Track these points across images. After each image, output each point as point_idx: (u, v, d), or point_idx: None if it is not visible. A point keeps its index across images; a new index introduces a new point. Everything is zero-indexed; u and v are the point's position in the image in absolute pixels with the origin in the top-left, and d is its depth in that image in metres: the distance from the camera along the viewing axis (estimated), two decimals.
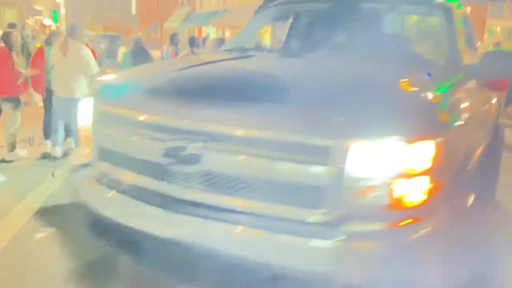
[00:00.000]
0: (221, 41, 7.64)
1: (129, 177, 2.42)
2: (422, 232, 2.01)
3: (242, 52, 3.62)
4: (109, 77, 3.10)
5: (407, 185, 1.98)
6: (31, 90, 7.39)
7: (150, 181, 2.32)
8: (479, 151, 3.59)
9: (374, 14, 3.79)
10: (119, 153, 2.47)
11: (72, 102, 4.68)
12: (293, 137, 2.01)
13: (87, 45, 6.17)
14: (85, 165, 2.67)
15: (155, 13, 56.17)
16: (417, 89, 2.47)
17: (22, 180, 5.21)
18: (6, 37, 6.25)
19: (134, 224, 2.25)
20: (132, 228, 2.24)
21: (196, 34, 34.66)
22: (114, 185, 2.44)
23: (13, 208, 4.33)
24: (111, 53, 17.75)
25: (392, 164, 1.95)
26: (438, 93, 2.49)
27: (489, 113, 4.07)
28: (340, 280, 1.97)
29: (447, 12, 3.42)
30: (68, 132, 6.27)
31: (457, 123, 2.42)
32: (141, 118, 2.37)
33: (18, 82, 6.04)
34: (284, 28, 4.54)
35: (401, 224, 1.99)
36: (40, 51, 6.48)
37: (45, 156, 6.16)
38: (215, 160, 2.13)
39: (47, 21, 26.97)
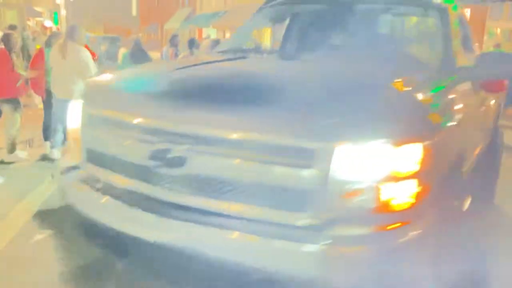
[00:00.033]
0: (216, 42, 7.65)
1: (116, 180, 2.41)
2: (410, 236, 1.99)
3: (236, 54, 3.60)
4: (98, 79, 3.08)
5: (394, 188, 1.95)
6: (31, 91, 7.40)
7: (136, 184, 2.31)
8: (475, 153, 3.56)
9: (369, 15, 3.78)
10: (107, 155, 2.46)
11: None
12: (279, 140, 1.98)
13: (87, 46, 6.17)
14: (74, 167, 2.66)
15: (155, 14, 56.21)
16: (408, 91, 2.45)
17: (21, 181, 5.22)
18: (6, 39, 6.26)
19: (121, 227, 2.23)
20: (119, 232, 2.22)
21: (196, 36, 34.75)
22: (102, 187, 2.42)
23: (12, 209, 4.33)
24: (111, 55, 17.75)
25: (378, 167, 1.93)
26: (428, 95, 2.47)
27: (487, 115, 4.04)
28: (327, 284, 1.94)
29: (442, 13, 3.40)
30: (67, 134, 6.26)
31: (448, 125, 2.41)
32: (127, 120, 2.36)
33: (18, 84, 6.05)
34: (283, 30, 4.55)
35: (388, 228, 1.97)
36: (40, 52, 6.48)
37: (45, 158, 6.16)
38: (201, 163, 2.11)
39: (48, 23, 27.00)
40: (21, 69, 6.26)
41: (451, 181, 2.40)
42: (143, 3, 62.51)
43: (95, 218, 2.37)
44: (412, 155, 1.97)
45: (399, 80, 2.58)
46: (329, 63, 3.07)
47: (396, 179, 1.95)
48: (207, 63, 3.30)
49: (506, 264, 3.41)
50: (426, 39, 3.64)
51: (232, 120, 2.08)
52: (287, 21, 4.52)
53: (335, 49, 3.54)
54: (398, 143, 1.94)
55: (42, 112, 6.57)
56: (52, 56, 5.90)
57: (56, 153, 6.16)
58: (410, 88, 2.50)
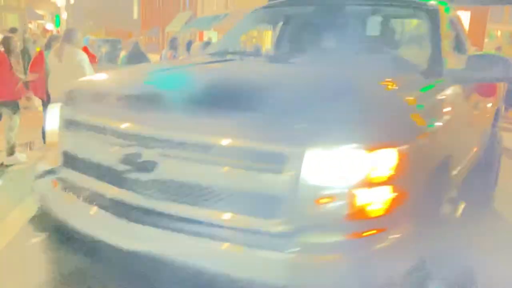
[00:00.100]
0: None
1: (90, 184, 2.37)
2: (385, 243, 1.92)
3: (222, 56, 3.58)
4: (77, 82, 3.05)
5: (367, 194, 1.89)
6: (31, 94, 7.42)
7: (109, 189, 2.27)
8: (468, 158, 3.48)
9: (358, 18, 3.74)
10: (82, 160, 2.43)
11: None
12: (249, 144, 1.93)
13: (87, 49, 6.19)
14: (50, 171, 2.62)
15: (156, 18, 56.32)
16: (388, 94, 2.39)
17: (20, 183, 5.22)
18: (5, 42, 6.29)
19: (94, 233, 2.18)
20: (92, 237, 2.17)
21: (197, 39, 34.78)
22: (77, 192, 2.39)
23: (11, 211, 4.34)
24: (112, 57, 17.83)
25: (349, 172, 1.87)
26: (411, 98, 2.42)
27: (481, 119, 3.97)
28: None
29: (431, 15, 3.34)
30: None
31: (431, 129, 2.34)
32: (100, 123, 2.33)
33: (17, 87, 6.07)
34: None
35: (361, 235, 1.90)
36: (40, 55, 6.51)
37: None
38: (171, 168, 2.07)
39: (49, 25, 27.09)
40: (20, 72, 6.28)
41: (435, 187, 2.34)
42: (145, 6, 62.65)
43: (70, 224, 2.32)
44: (386, 161, 1.91)
45: (382, 83, 2.54)
46: (313, 66, 3.03)
47: (370, 185, 1.89)
48: (188, 66, 3.27)
49: (495, 272, 3.35)
50: (416, 41, 3.58)
51: (202, 124, 2.03)
52: (280, 24, 4.52)
53: (323, 52, 3.50)
54: (371, 148, 1.88)
55: (42, 115, 6.58)
56: (50, 59, 5.91)
57: None
58: (392, 91, 2.46)
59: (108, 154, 2.24)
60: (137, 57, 8.53)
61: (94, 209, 2.24)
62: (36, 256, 3.43)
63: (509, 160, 6.14)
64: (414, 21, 3.84)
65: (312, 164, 1.85)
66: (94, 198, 2.29)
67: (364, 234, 1.91)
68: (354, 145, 1.87)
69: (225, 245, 1.91)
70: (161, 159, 2.07)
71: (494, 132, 4.67)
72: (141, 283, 2.13)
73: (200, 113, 2.06)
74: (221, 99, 2.13)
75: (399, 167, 1.92)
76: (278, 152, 1.87)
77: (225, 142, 1.96)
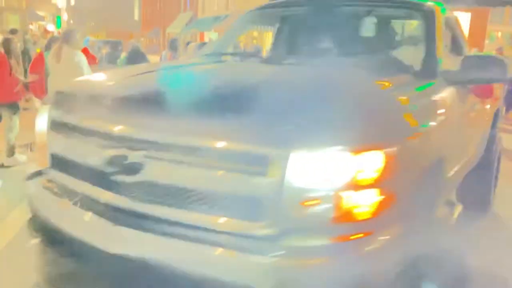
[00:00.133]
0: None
1: (77, 186, 2.36)
2: (372, 247, 1.89)
3: (215, 58, 3.56)
4: (68, 84, 3.04)
5: (353, 197, 1.86)
6: (31, 95, 7.43)
7: (95, 191, 2.24)
8: (464, 160, 3.42)
9: (353, 18, 3.70)
10: (68, 161, 2.41)
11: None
12: (233, 146, 1.91)
13: (87, 50, 6.19)
14: (39, 173, 2.62)
15: (157, 19, 56.41)
16: (377, 96, 2.35)
17: (20, 184, 5.23)
18: (5, 44, 6.31)
19: (80, 235, 2.16)
20: (78, 240, 2.15)
21: (198, 40, 34.79)
22: (64, 194, 2.38)
23: (11, 211, 4.35)
24: (112, 58, 17.86)
25: (334, 175, 1.83)
26: (401, 99, 2.38)
27: (478, 121, 3.91)
28: None
29: (426, 15, 3.29)
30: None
31: (420, 131, 2.29)
32: (85, 125, 2.32)
33: (17, 89, 6.08)
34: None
35: (347, 238, 1.88)
36: (40, 56, 6.53)
37: None
38: (155, 170, 2.04)
39: (50, 27, 27.13)
40: (20, 73, 6.30)
41: (427, 190, 2.30)
42: (145, 7, 62.77)
43: (57, 225, 2.30)
44: (372, 163, 1.88)
45: (372, 84, 2.50)
46: (304, 68, 3.01)
47: (356, 187, 1.86)
48: (178, 67, 3.25)
49: (487, 277, 3.34)
50: (412, 42, 3.54)
51: (186, 126, 2.00)
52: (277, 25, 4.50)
53: (317, 54, 3.44)
54: (356, 150, 1.86)
55: None
56: (49, 60, 5.91)
57: None
58: (381, 93, 2.42)
59: (94, 156, 2.21)
60: (136, 58, 8.54)
61: (81, 211, 2.21)
62: (36, 257, 3.45)
63: (510, 162, 6.11)
64: (410, 22, 3.80)
65: (296, 167, 1.82)
66: (81, 201, 2.27)
67: (350, 237, 1.87)
68: (339, 147, 1.85)
69: (209, 248, 1.88)
70: (145, 161, 2.05)
71: (493, 134, 4.60)
72: (126, 285, 2.12)
73: (185, 115, 2.03)
74: (206, 101, 2.09)
75: (386, 170, 1.89)
76: (263, 154, 1.84)
77: (209, 144, 1.93)
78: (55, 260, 2.49)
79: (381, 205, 1.91)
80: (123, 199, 2.13)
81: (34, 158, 6.20)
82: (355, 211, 1.87)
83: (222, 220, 1.93)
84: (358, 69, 2.77)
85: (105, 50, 18.89)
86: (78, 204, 2.26)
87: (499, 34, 20.23)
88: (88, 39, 10.39)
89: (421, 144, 2.27)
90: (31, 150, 6.79)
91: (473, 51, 6.78)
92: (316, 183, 1.84)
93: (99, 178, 2.19)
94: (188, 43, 9.22)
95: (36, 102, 8.17)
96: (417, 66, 2.93)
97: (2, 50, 6.27)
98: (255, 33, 25.69)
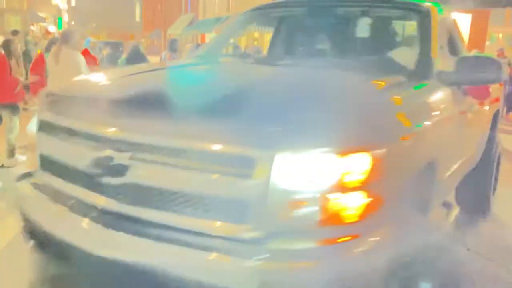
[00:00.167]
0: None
1: (64, 187, 2.34)
2: (359, 250, 1.86)
3: (208, 59, 3.55)
4: (57, 85, 3.02)
5: (339, 199, 1.82)
6: (31, 96, 7.45)
7: (82, 192, 2.23)
8: (460, 162, 3.38)
9: (348, 19, 3.68)
10: (55, 162, 2.40)
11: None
12: (218, 148, 1.87)
13: (87, 51, 6.19)
14: (29, 174, 2.60)
15: (158, 20, 56.47)
16: (366, 98, 2.30)
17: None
18: (6, 45, 6.32)
19: (67, 238, 2.13)
20: (66, 242, 2.13)
21: (199, 41, 34.77)
22: (53, 195, 2.36)
23: (11, 212, 4.35)
24: (113, 59, 17.86)
25: (320, 177, 1.80)
26: (388, 101, 2.34)
27: (476, 122, 3.86)
28: None
29: (421, 16, 3.26)
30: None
31: (410, 133, 2.23)
32: (72, 126, 2.30)
33: (17, 90, 6.09)
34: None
35: (333, 242, 1.84)
36: (41, 57, 6.55)
37: None
38: (140, 172, 2.02)
39: (52, 28, 27.18)
40: (21, 75, 6.31)
41: (418, 191, 2.28)
42: (147, 8, 62.82)
43: (45, 227, 2.27)
44: (358, 165, 1.84)
45: (362, 85, 2.48)
46: (295, 69, 2.99)
47: (342, 190, 1.82)
48: (165, 68, 3.25)
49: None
50: (407, 43, 3.51)
51: (171, 127, 1.98)
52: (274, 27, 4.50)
53: (312, 55, 3.44)
54: (342, 152, 1.82)
55: None
56: (48, 62, 5.92)
57: None
58: (370, 94, 2.37)
59: (80, 158, 2.19)
60: (136, 59, 8.55)
61: (69, 213, 2.20)
62: (35, 257, 3.45)
63: (509, 164, 6.08)
64: (406, 23, 3.77)
65: (282, 168, 1.79)
66: (69, 203, 2.25)
67: (337, 240, 1.84)
68: (325, 149, 1.81)
69: (193, 250, 1.86)
70: (130, 163, 2.02)
71: (493, 135, 4.55)
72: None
73: (171, 117, 2.01)
74: (192, 103, 2.06)
75: (373, 172, 1.86)
76: (248, 156, 1.81)
77: (194, 145, 1.91)
78: (47, 263, 2.49)
79: (369, 208, 1.88)
80: (109, 201, 2.10)
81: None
82: (342, 213, 1.84)
83: (207, 222, 1.91)
84: (349, 70, 2.75)
85: (106, 51, 18.90)
86: (66, 206, 2.24)
87: (500, 35, 20.23)
88: (89, 40, 10.37)
89: (412, 145, 2.22)
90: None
91: (474, 52, 6.77)
92: (302, 185, 1.82)
93: (85, 179, 2.17)
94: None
95: (37, 103, 8.20)
96: (411, 67, 2.90)
97: (3, 51, 6.28)
98: (256, 34, 25.71)
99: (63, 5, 34.41)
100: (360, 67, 2.81)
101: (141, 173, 2.02)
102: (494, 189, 4.89)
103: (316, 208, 1.82)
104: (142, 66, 3.78)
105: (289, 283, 1.80)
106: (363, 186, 1.85)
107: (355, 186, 1.84)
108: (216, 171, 1.87)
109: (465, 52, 4.16)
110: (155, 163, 1.99)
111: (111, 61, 16.55)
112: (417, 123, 2.37)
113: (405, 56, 3.11)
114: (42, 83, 6.29)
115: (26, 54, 10.30)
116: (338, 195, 1.82)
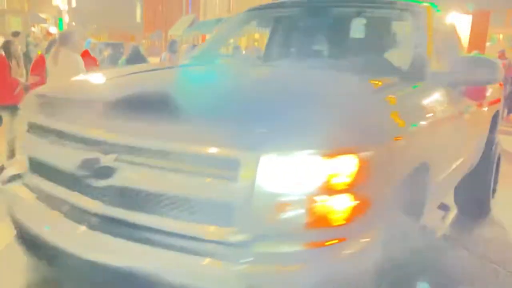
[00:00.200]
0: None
1: (51, 190, 2.32)
2: (345, 254, 1.84)
3: (202, 60, 3.55)
4: (43, 86, 3.00)
5: (326, 202, 1.80)
6: None
7: (68, 194, 2.21)
8: (456, 164, 3.36)
9: (343, 19, 3.66)
10: (43, 164, 2.38)
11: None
12: (202, 149, 1.85)
13: (88, 52, 6.17)
14: (18, 176, 2.57)
15: (159, 21, 56.50)
16: (355, 99, 2.27)
17: None
18: (6, 46, 6.32)
19: (54, 241, 2.13)
20: (53, 245, 2.12)
21: (200, 42, 34.77)
22: (41, 197, 2.34)
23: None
24: (114, 60, 17.87)
25: (306, 179, 1.78)
26: (378, 102, 2.31)
27: (473, 124, 3.83)
28: None
29: (417, 17, 3.24)
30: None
31: (400, 135, 2.20)
32: (59, 128, 2.29)
33: (17, 91, 6.09)
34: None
35: (318, 245, 1.82)
36: (41, 58, 6.53)
37: None
38: (125, 174, 2.00)
39: (53, 29, 27.19)
40: (21, 76, 6.31)
41: (410, 194, 2.26)
42: (148, 9, 62.88)
43: (34, 230, 2.27)
44: (345, 167, 1.81)
45: (353, 87, 2.46)
46: (288, 70, 2.98)
47: (328, 192, 1.80)
48: (158, 70, 3.24)
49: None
50: (403, 44, 3.48)
51: (156, 129, 1.96)
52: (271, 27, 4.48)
53: (305, 55, 3.42)
54: (328, 153, 1.80)
55: None
56: (48, 63, 5.90)
57: None
58: (360, 96, 2.34)
59: (67, 159, 2.17)
60: (136, 60, 8.56)
61: (55, 216, 2.18)
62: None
63: (509, 165, 6.06)
64: (402, 23, 3.73)
65: (267, 170, 1.77)
66: (55, 205, 2.23)
67: (324, 243, 1.82)
68: (310, 150, 1.79)
69: (178, 253, 1.84)
70: (116, 165, 2.00)
71: (492, 137, 4.52)
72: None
73: (156, 118, 2.00)
74: (179, 105, 2.05)
75: (360, 174, 1.83)
76: (233, 158, 1.79)
77: (179, 147, 1.89)
78: (37, 265, 2.47)
79: (356, 211, 1.85)
80: (96, 203, 2.09)
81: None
82: (329, 216, 1.82)
83: (192, 225, 1.89)
84: (342, 71, 2.73)
85: (107, 52, 18.89)
86: (52, 208, 2.22)
87: (501, 36, 20.18)
88: (90, 41, 10.36)
89: (401, 147, 2.19)
90: None
91: (474, 53, 6.74)
92: (288, 187, 1.80)
93: (73, 181, 2.15)
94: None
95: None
96: (406, 67, 2.88)
97: (3, 52, 6.29)
98: (257, 35, 25.70)
99: (64, 6, 34.43)
100: (354, 68, 2.79)
101: (127, 175, 2.00)
102: (494, 190, 4.87)
103: (302, 210, 1.80)
104: (134, 67, 3.77)
105: (276, 287, 1.78)
106: (350, 189, 1.83)
107: (342, 188, 1.82)
108: (201, 173, 1.85)
109: (462, 53, 4.14)
110: (140, 165, 1.97)
111: (112, 62, 16.56)
112: (408, 125, 2.34)
113: (400, 56, 3.09)
114: (42, 84, 6.30)
115: (26, 55, 10.29)
116: (324, 198, 1.80)
